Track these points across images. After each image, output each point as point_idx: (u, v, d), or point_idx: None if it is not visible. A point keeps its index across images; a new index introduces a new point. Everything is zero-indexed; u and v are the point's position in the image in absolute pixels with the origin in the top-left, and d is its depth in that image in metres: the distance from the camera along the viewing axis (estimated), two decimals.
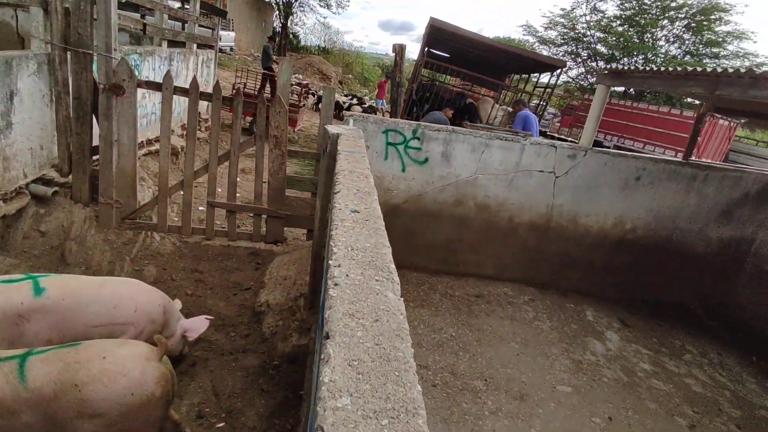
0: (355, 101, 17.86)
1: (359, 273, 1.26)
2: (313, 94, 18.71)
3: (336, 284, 1.15)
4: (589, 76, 27.97)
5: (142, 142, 6.77)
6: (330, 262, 1.29)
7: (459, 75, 10.82)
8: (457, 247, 5.46)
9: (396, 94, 8.25)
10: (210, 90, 5.37)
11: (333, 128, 3.52)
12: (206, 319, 3.44)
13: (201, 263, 5.12)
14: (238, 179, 5.36)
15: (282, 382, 3.53)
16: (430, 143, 4.97)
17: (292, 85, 11.62)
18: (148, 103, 6.94)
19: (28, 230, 4.57)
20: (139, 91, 5.06)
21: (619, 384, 4.25)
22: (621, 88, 22.04)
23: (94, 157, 5.06)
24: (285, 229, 5.66)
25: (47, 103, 4.74)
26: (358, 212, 1.70)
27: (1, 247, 4.23)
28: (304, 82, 17.69)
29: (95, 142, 4.98)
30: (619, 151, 5.45)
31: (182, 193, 6.27)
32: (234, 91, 8.59)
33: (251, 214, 6.94)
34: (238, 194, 5.50)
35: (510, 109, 9.69)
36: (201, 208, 6.83)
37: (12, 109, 4.23)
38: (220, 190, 6.00)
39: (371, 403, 0.82)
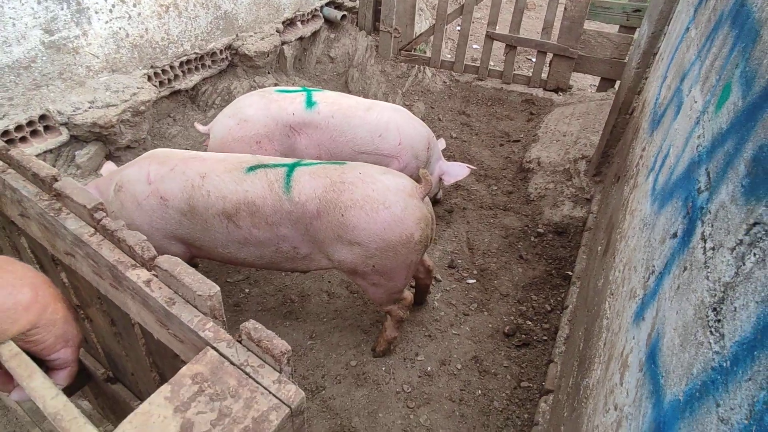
0: None
1: None
2: None
3: None
4: None
5: None
6: None
7: None
8: None
9: None
10: None
11: None
12: (468, 167, 3.02)
13: (469, 106, 4.66)
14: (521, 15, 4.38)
15: (544, 254, 2.99)
16: None
17: None
18: None
19: (320, 55, 4.81)
20: None
21: None
22: None
23: None
24: (571, 74, 4.59)
25: None
26: None
27: (298, 69, 4.58)
28: None
29: None
30: None
31: (458, 26, 5.67)
32: None
33: (532, 57, 5.97)
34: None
35: None
36: (475, 46, 6.19)
37: None
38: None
39: None
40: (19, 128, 2.55)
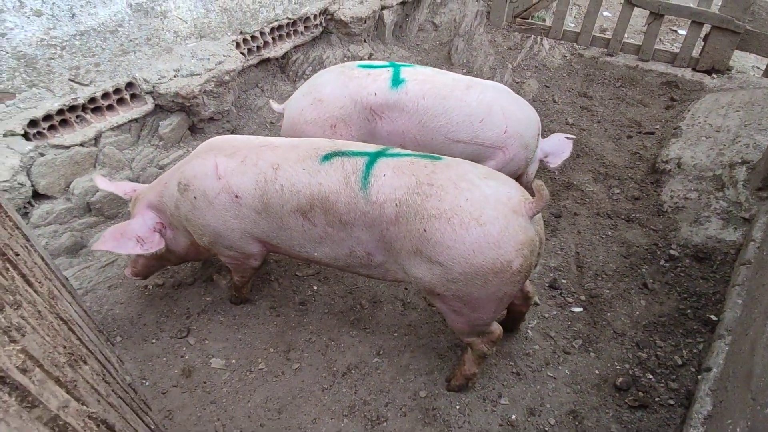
0: None
1: None
2: None
3: None
4: None
5: None
6: None
7: None
8: None
9: None
10: None
11: None
12: (566, 138, 2.51)
13: (593, 86, 3.94)
14: None
15: (677, 285, 2.38)
16: None
17: None
18: None
19: (423, 21, 4.34)
20: None
21: None
22: None
23: None
24: (734, 53, 3.66)
25: None
26: None
27: (397, 37, 4.16)
28: None
29: None
30: None
31: None
32: None
33: (680, 30, 4.95)
34: None
35: None
36: (606, 13, 5.28)
37: None
38: None
39: None
40: (105, 96, 2.48)
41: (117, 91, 2.52)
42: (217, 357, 2.07)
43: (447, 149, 2.29)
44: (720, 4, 3.51)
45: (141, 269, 2.14)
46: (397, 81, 2.17)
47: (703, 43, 3.72)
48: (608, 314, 2.27)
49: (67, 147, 2.39)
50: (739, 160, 2.79)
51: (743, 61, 4.50)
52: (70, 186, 2.44)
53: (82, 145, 2.44)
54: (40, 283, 1.12)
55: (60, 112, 2.35)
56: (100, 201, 2.51)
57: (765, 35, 3.49)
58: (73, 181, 2.44)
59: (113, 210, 2.59)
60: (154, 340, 2.13)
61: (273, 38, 3.21)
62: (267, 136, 3.20)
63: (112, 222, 2.58)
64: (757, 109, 3.22)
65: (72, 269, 2.32)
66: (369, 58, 3.73)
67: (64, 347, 0.89)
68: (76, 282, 2.27)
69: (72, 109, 2.40)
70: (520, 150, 2.35)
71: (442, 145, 2.27)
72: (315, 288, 2.38)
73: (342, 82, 2.16)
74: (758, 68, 4.32)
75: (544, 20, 4.44)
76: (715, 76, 3.74)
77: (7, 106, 2.19)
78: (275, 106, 2.34)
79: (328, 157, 1.72)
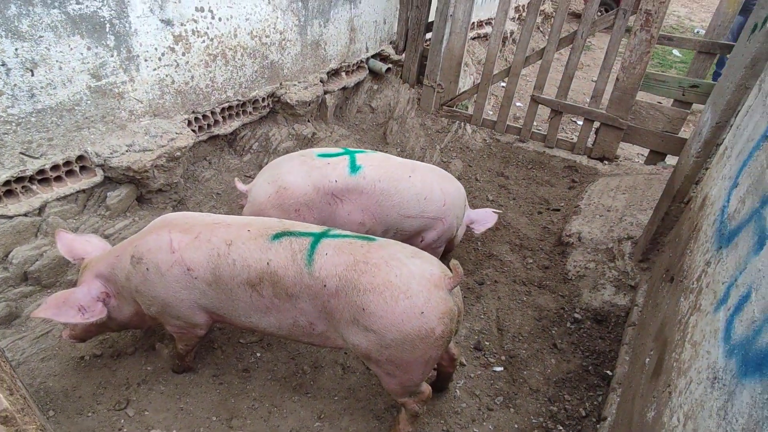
0: None
1: None
2: None
3: None
4: None
5: (472, 23, 6.27)
6: None
7: None
8: None
9: None
10: None
11: None
12: (494, 212, 2.92)
13: (509, 167, 4.51)
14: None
15: (581, 345, 2.74)
16: None
17: None
18: None
19: (361, 105, 4.81)
20: None
21: None
22: None
23: (427, 36, 4.81)
24: (620, 144, 4.39)
25: None
26: None
27: (338, 117, 4.57)
28: None
29: (431, 18, 4.68)
30: None
31: (503, 83, 5.61)
32: None
33: (578, 120, 5.81)
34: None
35: None
36: (519, 104, 6.09)
37: None
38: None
39: None
40: (55, 168, 2.56)
41: (67, 163, 2.61)
42: (157, 428, 2.09)
43: (399, 223, 2.61)
44: (607, 104, 4.27)
45: (79, 333, 2.16)
46: (354, 167, 2.48)
47: (595, 135, 4.45)
48: (525, 372, 2.57)
49: (11, 217, 2.41)
50: (625, 236, 3.33)
51: (630, 150, 5.37)
52: (8, 255, 2.43)
53: (26, 215, 2.47)
54: None
55: (6, 183, 2.40)
56: (38, 270, 2.50)
57: (644, 130, 4.24)
58: (12, 250, 2.44)
59: (51, 279, 2.58)
60: (90, 413, 2.11)
61: (223, 117, 3.46)
62: (213, 205, 3.36)
63: (50, 291, 2.56)
64: (638, 193, 3.87)
65: (4, 341, 2.27)
66: (312, 137, 4.07)
67: None
68: (8, 354, 2.22)
69: (19, 180, 2.45)
70: (453, 219, 2.74)
71: (395, 220, 2.59)
72: (258, 354, 2.48)
73: (306, 172, 2.44)
74: (642, 155, 5.16)
75: (467, 108, 5.07)
76: (606, 162, 4.45)
77: None
78: (240, 186, 2.54)
79: (278, 236, 1.93)
